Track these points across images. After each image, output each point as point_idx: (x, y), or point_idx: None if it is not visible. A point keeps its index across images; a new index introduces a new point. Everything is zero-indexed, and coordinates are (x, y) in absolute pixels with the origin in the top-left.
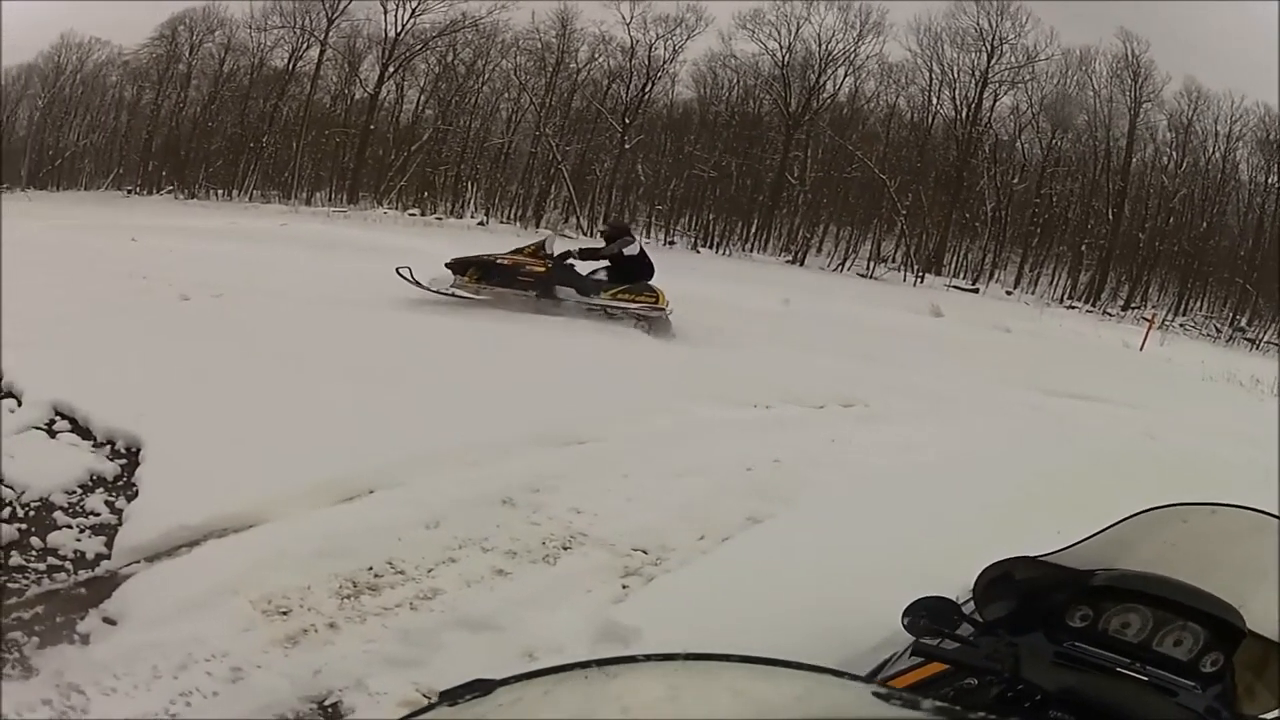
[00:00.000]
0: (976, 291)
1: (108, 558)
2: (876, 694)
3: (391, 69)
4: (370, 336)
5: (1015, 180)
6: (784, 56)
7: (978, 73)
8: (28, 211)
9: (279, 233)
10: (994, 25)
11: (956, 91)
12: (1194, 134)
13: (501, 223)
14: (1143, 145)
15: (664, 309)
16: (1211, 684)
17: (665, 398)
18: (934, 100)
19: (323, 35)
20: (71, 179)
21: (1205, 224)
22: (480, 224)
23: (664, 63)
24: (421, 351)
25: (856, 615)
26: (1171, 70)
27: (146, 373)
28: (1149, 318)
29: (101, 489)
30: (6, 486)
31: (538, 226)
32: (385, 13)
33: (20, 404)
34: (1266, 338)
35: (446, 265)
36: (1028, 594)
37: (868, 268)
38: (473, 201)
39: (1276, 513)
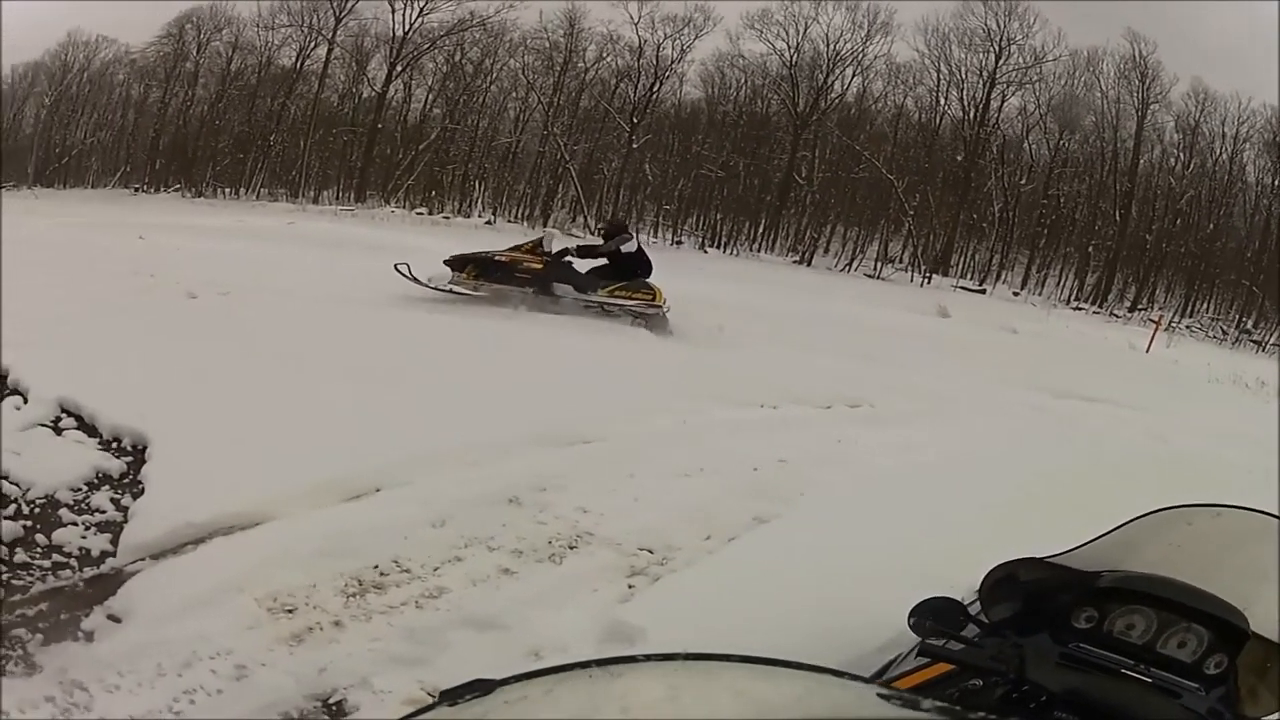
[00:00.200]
0: (983, 292)
1: (113, 555)
2: (877, 694)
3: (399, 68)
4: (374, 335)
5: (1023, 181)
6: (792, 56)
7: (985, 73)
8: (35, 209)
9: (286, 231)
10: (1002, 26)
11: (964, 92)
12: (1201, 135)
13: (509, 222)
14: (1150, 146)
15: (661, 306)
16: (1215, 686)
17: (670, 397)
18: (942, 101)
19: (330, 34)
20: (78, 177)
21: (1212, 226)
22: (488, 223)
23: (672, 62)
24: (423, 350)
25: (859, 615)
26: (1179, 71)
27: (153, 370)
28: (1156, 319)
29: (107, 486)
30: (12, 483)
31: (545, 226)
32: (393, 11)
33: (26, 401)
34: (1273, 340)
35: (445, 262)
36: (1033, 595)
37: (875, 268)
38: (480, 200)
39: None
